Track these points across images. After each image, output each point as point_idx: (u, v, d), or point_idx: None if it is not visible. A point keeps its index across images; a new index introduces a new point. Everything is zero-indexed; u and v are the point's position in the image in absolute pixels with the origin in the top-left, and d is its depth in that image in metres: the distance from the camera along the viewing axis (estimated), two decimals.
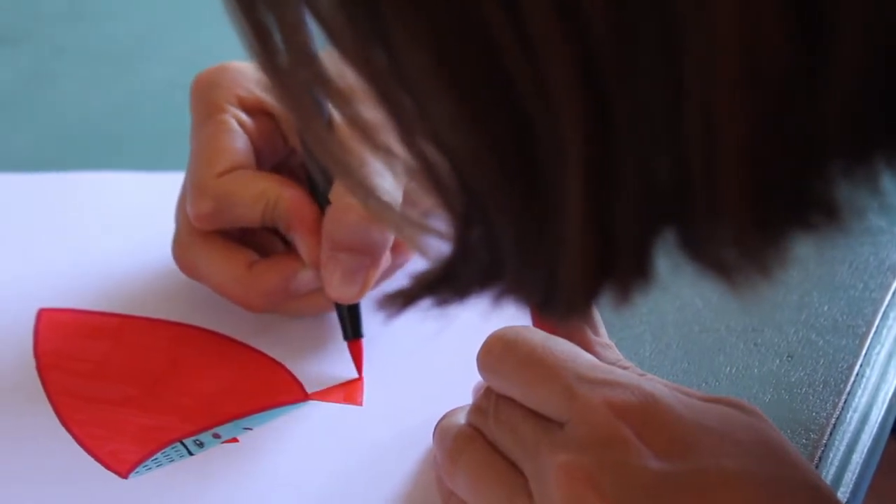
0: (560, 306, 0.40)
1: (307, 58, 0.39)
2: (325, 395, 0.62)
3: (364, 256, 0.62)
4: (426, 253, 0.43)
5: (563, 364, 0.51)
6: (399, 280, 0.64)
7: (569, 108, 0.35)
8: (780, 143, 0.35)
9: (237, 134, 0.64)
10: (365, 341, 0.63)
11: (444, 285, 0.42)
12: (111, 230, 0.72)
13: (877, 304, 0.64)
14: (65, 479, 0.59)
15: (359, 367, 0.63)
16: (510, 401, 0.53)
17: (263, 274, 0.63)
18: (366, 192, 0.44)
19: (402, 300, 0.43)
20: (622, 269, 0.38)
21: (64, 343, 0.66)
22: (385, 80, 0.37)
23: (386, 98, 0.38)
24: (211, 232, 0.64)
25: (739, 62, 0.34)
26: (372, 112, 0.39)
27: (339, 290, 0.62)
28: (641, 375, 0.54)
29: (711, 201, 0.36)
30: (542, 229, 0.38)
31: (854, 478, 0.58)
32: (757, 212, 0.36)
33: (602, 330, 0.57)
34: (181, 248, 0.65)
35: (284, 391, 0.63)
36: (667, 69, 0.34)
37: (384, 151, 0.40)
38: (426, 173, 0.39)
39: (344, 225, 0.61)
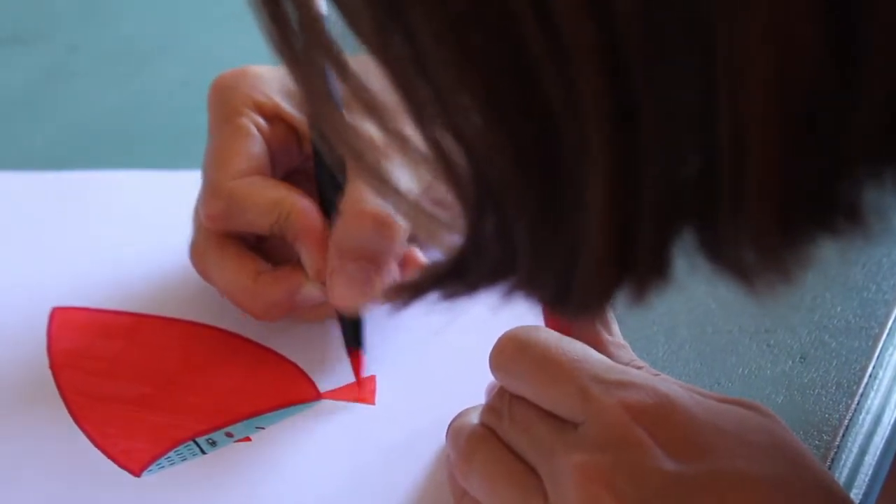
0: (574, 303, 0.40)
1: (324, 43, 0.39)
2: (338, 394, 0.62)
3: (371, 265, 0.61)
4: (440, 244, 0.42)
5: (577, 365, 0.51)
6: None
7: (594, 106, 0.35)
8: (808, 146, 0.35)
9: (254, 138, 0.64)
10: (378, 340, 0.63)
11: (453, 278, 0.42)
12: (124, 229, 0.72)
13: (890, 305, 0.64)
14: (78, 477, 0.59)
15: (358, 378, 0.62)
16: (524, 401, 0.52)
17: (269, 286, 0.63)
18: (380, 181, 0.43)
19: (409, 292, 0.43)
20: (640, 268, 0.38)
21: (77, 342, 0.66)
22: (403, 67, 0.37)
23: (403, 85, 0.37)
24: (225, 238, 0.64)
25: (770, 64, 0.33)
26: (388, 99, 0.39)
27: (343, 300, 0.61)
28: (655, 375, 0.53)
29: (736, 202, 0.36)
30: (559, 225, 0.38)
31: (867, 479, 0.58)
32: (782, 214, 0.36)
33: (616, 329, 0.57)
34: (196, 252, 0.65)
35: (297, 390, 0.63)
36: (696, 69, 0.34)
37: (399, 139, 0.40)
38: (441, 162, 0.39)
39: (353, 233, 0.61)
